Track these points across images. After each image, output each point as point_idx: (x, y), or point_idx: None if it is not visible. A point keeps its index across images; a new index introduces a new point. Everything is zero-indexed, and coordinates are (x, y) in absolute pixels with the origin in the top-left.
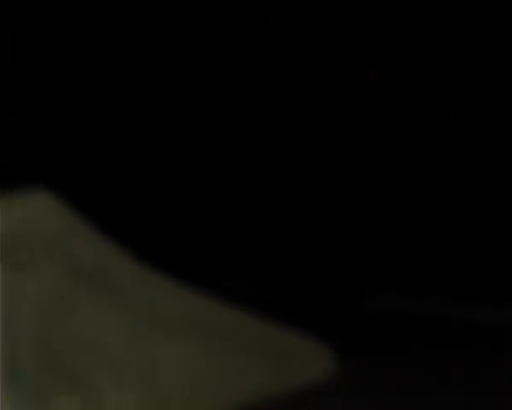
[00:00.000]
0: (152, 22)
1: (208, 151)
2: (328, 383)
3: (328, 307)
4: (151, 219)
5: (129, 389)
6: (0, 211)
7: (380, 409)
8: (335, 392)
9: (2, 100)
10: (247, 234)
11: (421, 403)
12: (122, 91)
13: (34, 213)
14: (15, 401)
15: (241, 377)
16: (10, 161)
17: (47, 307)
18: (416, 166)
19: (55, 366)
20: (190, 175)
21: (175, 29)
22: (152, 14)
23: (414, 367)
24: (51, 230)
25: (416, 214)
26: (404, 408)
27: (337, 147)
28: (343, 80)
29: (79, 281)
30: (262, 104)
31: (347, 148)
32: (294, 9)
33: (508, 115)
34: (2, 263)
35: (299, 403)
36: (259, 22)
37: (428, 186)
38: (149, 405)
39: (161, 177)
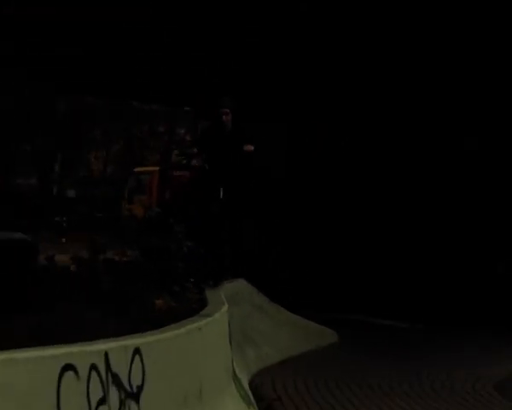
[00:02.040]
0: None
1: None
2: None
3: None
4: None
5: (268, 346)
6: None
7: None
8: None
9: None
10: None
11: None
12: None
13: (240, 286)
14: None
15: (294, 341)
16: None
17: (242, 317)
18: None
19: (248, 337)
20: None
21: None
22: None
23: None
24: (246, 291)
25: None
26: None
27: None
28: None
29: (255, 310)
30: None
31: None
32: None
33: None
34: (228, 303)
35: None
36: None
37: None
38: (274, 353)
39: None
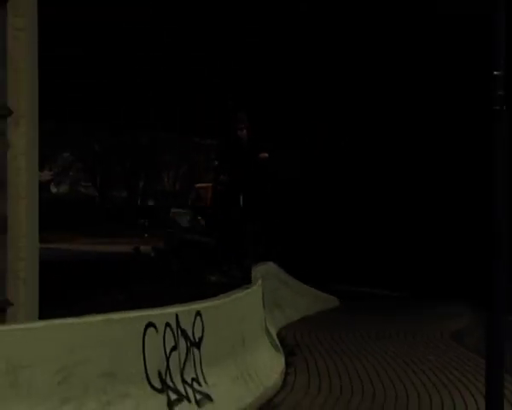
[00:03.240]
0: None
1: None
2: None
3: None
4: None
5: (290, 309)
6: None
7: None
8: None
9: None
10: None
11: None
12: None
13: (270, 267)
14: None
15: (308, 305)
16: None
17: (272, 289)
18: None
19: (276, 303)
20: None
21: None
22: None
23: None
24: (274, 270)
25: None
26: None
27: None
28: None
29: (281, 284)
30: None
31: None
32: None
33: None
34: (262, 279)
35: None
36: None
37: None
38: (294, 314)
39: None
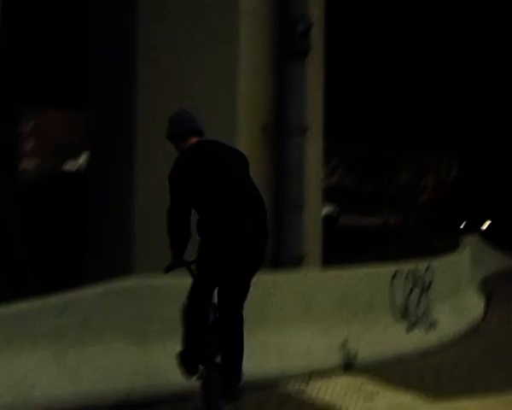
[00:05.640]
0: None
1: None
2: None
3: None
4: None
5: (488, 266)
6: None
7: None
8: None
9: None
10: None
11: None
12: None
13: (473, 238)
14: None
15: (499, 266)
16: None
17: (474, 252)
18: None
19: (476, 261)
20: None
21: None
22: None
23: None
24: (476, 239)
25: None
26: None
27: None
28: None
29: (480, 251)
30: None
31: None
32: None
33: None
34: (469, 244)
35: None
36: None
37: None
38: (491, 269)
39: None
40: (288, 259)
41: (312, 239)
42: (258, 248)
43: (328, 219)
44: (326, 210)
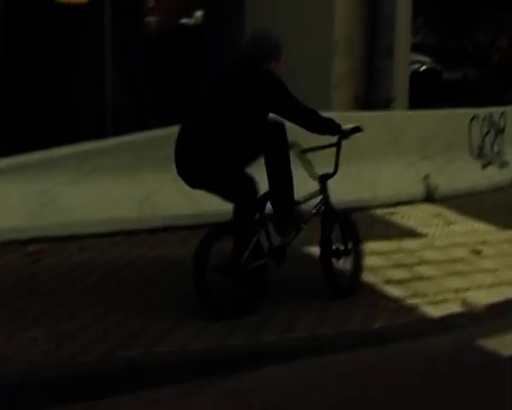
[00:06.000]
0: None
1: None
2: None
3: None
4: None
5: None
6: None
7: None
8: None
9: None
10: None
11: None
12: None
13: None
14: None
15: None
16: None
17: None
18: None
19: None
20: None
21: None
22: None
23: None
24: None
25: None
26: None
27: None
28: None
29: None
30: None
31: None
32: None
33: None
34: None
35: None
36: None
37: None
38: None
39: None
40: (379, 101)
41: (401, 84)
42: (188, 156)
43: (432, 72)
44: (430, 64)
